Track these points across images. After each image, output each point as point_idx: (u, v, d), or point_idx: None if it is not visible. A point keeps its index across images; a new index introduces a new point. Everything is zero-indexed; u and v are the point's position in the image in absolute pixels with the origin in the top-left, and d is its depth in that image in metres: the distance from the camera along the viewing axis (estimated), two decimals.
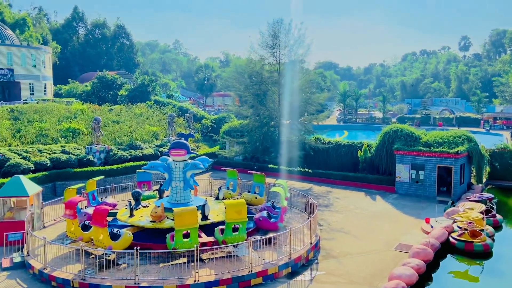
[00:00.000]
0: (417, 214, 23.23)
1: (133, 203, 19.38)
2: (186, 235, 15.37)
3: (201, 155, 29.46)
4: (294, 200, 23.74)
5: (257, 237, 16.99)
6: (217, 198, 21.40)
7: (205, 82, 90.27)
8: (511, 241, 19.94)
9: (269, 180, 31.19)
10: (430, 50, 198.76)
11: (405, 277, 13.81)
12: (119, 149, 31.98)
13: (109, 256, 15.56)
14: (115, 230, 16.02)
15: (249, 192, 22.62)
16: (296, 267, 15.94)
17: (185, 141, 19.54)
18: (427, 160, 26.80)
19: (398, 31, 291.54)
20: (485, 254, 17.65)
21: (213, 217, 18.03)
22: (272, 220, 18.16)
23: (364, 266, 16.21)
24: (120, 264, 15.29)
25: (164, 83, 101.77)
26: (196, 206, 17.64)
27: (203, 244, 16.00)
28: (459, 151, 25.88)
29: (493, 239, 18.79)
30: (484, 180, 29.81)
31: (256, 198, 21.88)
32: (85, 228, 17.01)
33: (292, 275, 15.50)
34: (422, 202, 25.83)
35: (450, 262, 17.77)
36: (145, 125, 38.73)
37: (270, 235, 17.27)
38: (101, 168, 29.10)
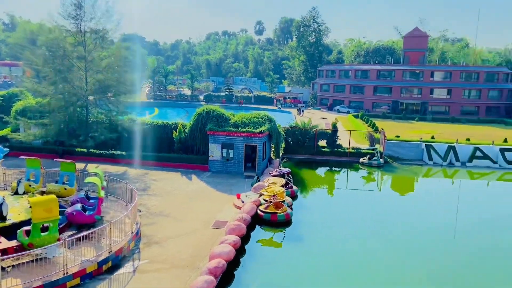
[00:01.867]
0: (229, 191, 24.94)
1: None
2: None
3: None
4: (109, 186, 22.23)
5: (70, 233, 15.35)
6: (16, 193, 18.30)
7: None
8: (305, 208, 23.43)
9: (79, 165, 28.53)
10: (231, 31, 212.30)
11: (224, 255, 14.74)
12: None
13: None
14: None
15: (56, 182, 20.09)
16: (118, 260, 15.13)
17: None
18: (236, 139, 28.87)
19: (202, 10, 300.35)
20: (287, 222, 20.34)
21: (13, 217, 15.38)
22: (87, 213, 16.63)
23: (186, 248, 16.58)
24: None
25: None
26: None
27: (4, 251, 13.54)
28: (262, 131, 28.73)
29: (291, 208, 21.78)
30: (280, 154, 34.00)
31: (65, 189, 19.61)
32: None
33: (113, 269, 14.64)
34: (232, 178, 27.83)
35: (258, 232, 19.82)
36: None
37: (85, 231, 15.84)
38: None
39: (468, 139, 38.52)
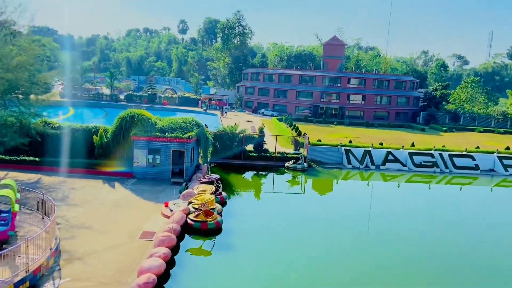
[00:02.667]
0: (156, 198, 24.28)
1: None
2: None
3: None
4: (22, 197, 20.42)
5: None
6: None
7: None
8: (235, 214, 23.59)
9: None
10: (153, 29, 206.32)
11: (154, 269, 14.36)
12: None
13: None
14: None
15: None
16: (36, 280, 14.00)
17: None
18: (163, 145, 28.18)
19: (122, 4, 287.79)
20: (217, 230, 20.35)
21: None
22: (0, 229, 15.15)
23: (111, 263, 15.84)
24: None
25: None
26: None
27: None
28: (190, 136, 28.39)
29: (221, 215, 21.83)
30: (208, 159, 33.85)
31: None
32: None
33: None
34: (159, 185, 27.12)
35: (187, 241, 19.56)
36: None
37: (1, 250, 14.43)
38: None
39: (381, 143, 41.70)
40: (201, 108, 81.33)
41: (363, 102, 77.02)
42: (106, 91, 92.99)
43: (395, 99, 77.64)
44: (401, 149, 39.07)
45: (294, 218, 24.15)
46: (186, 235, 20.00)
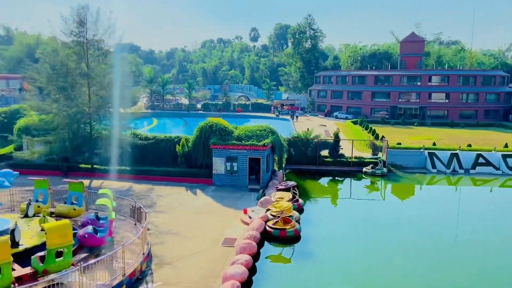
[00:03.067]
0: (235, 205, 25.06)
1: None
2: None
3: None
4: (116, 204, 22.27)
5: (82, 256, 15.45)
6: (26, 216, 18.33)
7: None
8: (313, 222, 23.48)
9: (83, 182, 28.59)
10: (226, 38, 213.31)
11: (238, 276, 14.86)
12: None
13: None
14: None
15: (65, 203, 20.18)
16: (131, 283, 15.22)
17: None
18: (240, 152, 29.04)
19: (197, 18, 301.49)
20: (295, 238, 20.46)
21: (25, 242, 15.44)
22: (99, 235, 16.71)
23: (197, 268, 16.67)
24: None
25: None
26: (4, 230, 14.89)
27: (18, 278, 13.60)
28: (265, 144, 28.91)
29: (299, 223, 21.91)
30: (283, 165, 34.17)
31: (74, 209, 19.72)
32: None
33: None
34: (237, 192, 27.95)
35: (267, 249, 19.89)
36: None
37: (99, 254, 15.94)
38: None
39: (470, 145, 38.84)
40: (274, 113, 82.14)
41: (446, 101, 72.42)
42: (185, 101, 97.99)
43: (483, 96, 71.91)
44: (493, 151, 36.07)
45: (374, 225, 23.43)
46: (265, 242, 20.36)
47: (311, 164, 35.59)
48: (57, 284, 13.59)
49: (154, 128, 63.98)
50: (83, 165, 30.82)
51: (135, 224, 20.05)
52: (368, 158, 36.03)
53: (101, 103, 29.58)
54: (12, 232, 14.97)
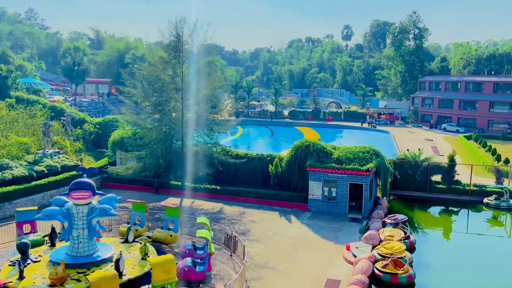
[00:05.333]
0: (335, 238, 24.58)
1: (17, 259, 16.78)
2: None
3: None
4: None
5: None
6: (125, 241, 19.71)
7: (75, 67, 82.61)
8: (427, 265, 22.01)
9: (173, 200, 30.15)
10: (315, 37, 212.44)
11: None
12: None
13: None
14: None
15: (161, 228, 21.38)
16: None
17: (89, 180, 17.48)
18: (340, 177, 28.46)
19: (284, 15, 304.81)
20: (409, 285, 19.43)
21: (128, 272, 16.54)
22: (198, 268, 17.37)
23: None
24: None
25: (19, 65, 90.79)
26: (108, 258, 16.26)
27: None
28: (369, 168, 28.00)
29: (412, 266, 20.76)
30: (387, 191, 32.80)
31: (171, 236, 20.78)
32: None
33: None
34: (335, 221, 27.41)
35: None
36: (10, 134, 33.86)
37: None
38: None
39: None
40: (367, 123, 79.17)
41: None
42: (270, 107, 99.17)
43: None
44: None
45: (503, 270, 21.37)
46: (372, 286, 19.60)
47: (420, 191, 33.70)
48: None
49: (238, 139, 65.49)
50: (173, 182, 32.49)
51: (231, 256, 20.57)
52: (491, 188, 33.14)
53: (194, 118, 31.01)
54: (117, 261, 16.12)
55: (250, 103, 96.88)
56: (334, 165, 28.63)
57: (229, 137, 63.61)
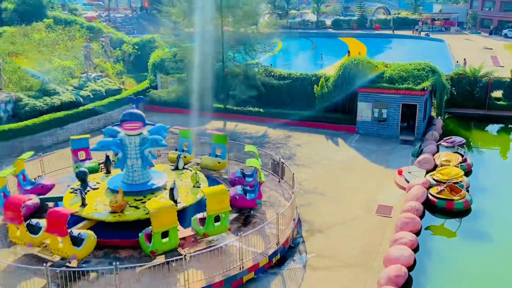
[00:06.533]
0: (385, 162, 24.70)
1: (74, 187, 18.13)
2: (165, 234, 14.95)
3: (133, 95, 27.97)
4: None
5: (234, 216, 17.22)
6: (176, 168, 20.60)
7: None
8: (485, 189, 21.89)
9: (217, 124, 30.68)
10: None
11: (404, 259, 15.00)
12: (29, 96, 28.60)
13: (70, 263, 14.81)
14: (75, 232, 15.07)
15: (209, 155, 22.14)
16: (284, 252, 16.51)
17: (139, 112, 18.03)
18: (392, 97, 27.83)
19: None
20: (465, 211, 19.62)
21: (182, 200, 17.54)
22: (248, 196, 18.14)
23: (352, 241, 17.19)
24: (88, 273, 14.59)
25: None
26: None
27: (182, 239, 15.78)
28: (425, 87, 27.13)
29: (468, 190, 20.75)
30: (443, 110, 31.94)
31: (219, 162, 21.57)
32: (32, 228, 15.70)
33: (281, 262, 16.06)
34: (385, 144, 27.31)
35: (427, 219, 19.43)
36: (53, 58, 34.50)
37: (249, 216, 17.53)
38: (12, 126, 26.09)
39: None
40: (416, 31, 74.72)
41: None
42: (311, 16, 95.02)
43: None
44: None
45: None
46: (426, 211, 19.79)
47: (478, 108, 32.67)
48: (218, 248, 15.26)
49: (278, 54, 63.98)
50: (215, 105, 32.83)
51: (279, 182, 21.26)
52: None
53: (235, 37, 30.50)
54: (171, 190, 17.08)
55: (289, 12, 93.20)
56: (386, 85, 27.89)
57: (268, 53, 62.62)
